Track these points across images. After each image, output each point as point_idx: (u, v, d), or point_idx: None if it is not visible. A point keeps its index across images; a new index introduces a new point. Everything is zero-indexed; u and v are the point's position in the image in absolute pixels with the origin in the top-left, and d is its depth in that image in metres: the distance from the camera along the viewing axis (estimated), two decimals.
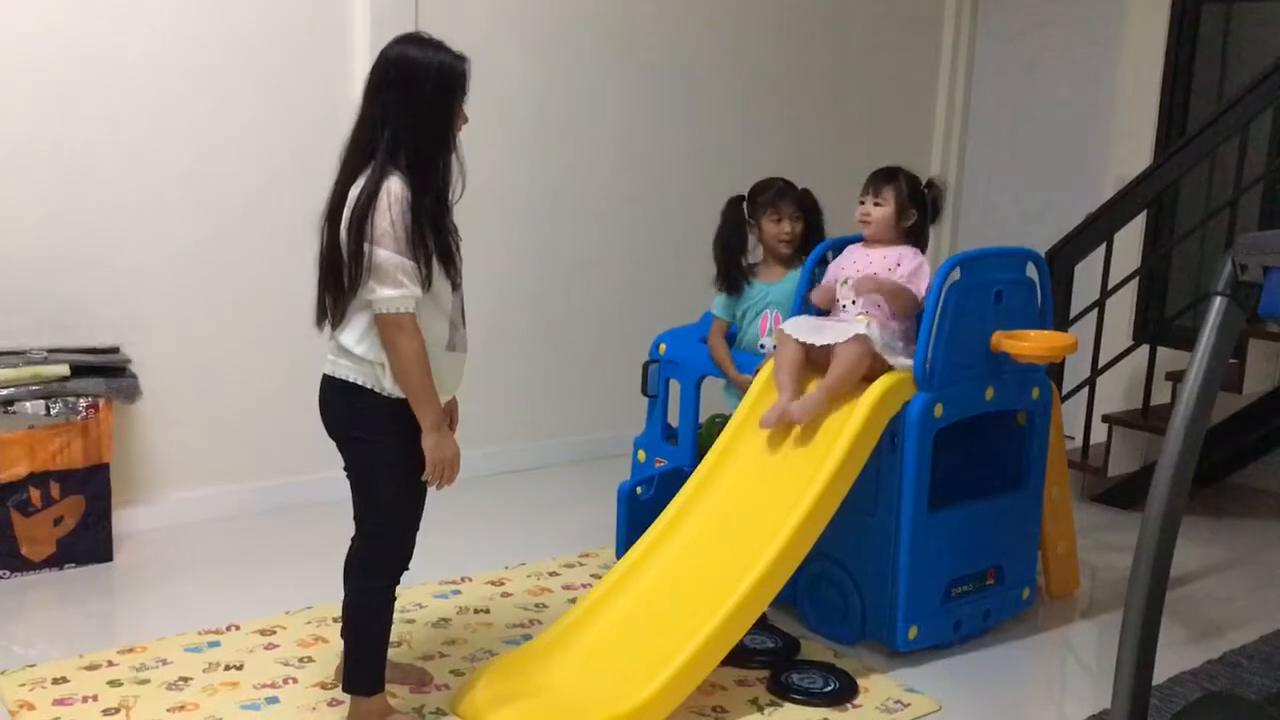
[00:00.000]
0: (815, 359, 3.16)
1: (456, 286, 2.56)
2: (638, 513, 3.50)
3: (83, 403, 3.55)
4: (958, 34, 5.89)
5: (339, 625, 2.66)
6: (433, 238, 2.44)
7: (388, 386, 2.49)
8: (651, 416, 3.83)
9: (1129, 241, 4.85)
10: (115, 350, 3.78)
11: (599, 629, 2.90)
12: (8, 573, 3.50)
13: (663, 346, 3.78)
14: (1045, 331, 3.30)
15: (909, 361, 3.11)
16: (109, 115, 3.73)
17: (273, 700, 2.82)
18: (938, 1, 5.87)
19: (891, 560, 3.11)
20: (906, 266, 3.22)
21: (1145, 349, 4.57)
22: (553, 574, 3.72)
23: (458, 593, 3.53)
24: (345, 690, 2.65)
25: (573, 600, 3.42)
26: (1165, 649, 2.28)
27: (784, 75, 5.37)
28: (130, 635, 3.14)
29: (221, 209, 3.97)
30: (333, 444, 2.61)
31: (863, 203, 3.30)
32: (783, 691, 2.95)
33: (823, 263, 3.43)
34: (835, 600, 3.26)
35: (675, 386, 3.75)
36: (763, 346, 3.50)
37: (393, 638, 2.70)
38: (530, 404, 4.86)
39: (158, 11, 3.77)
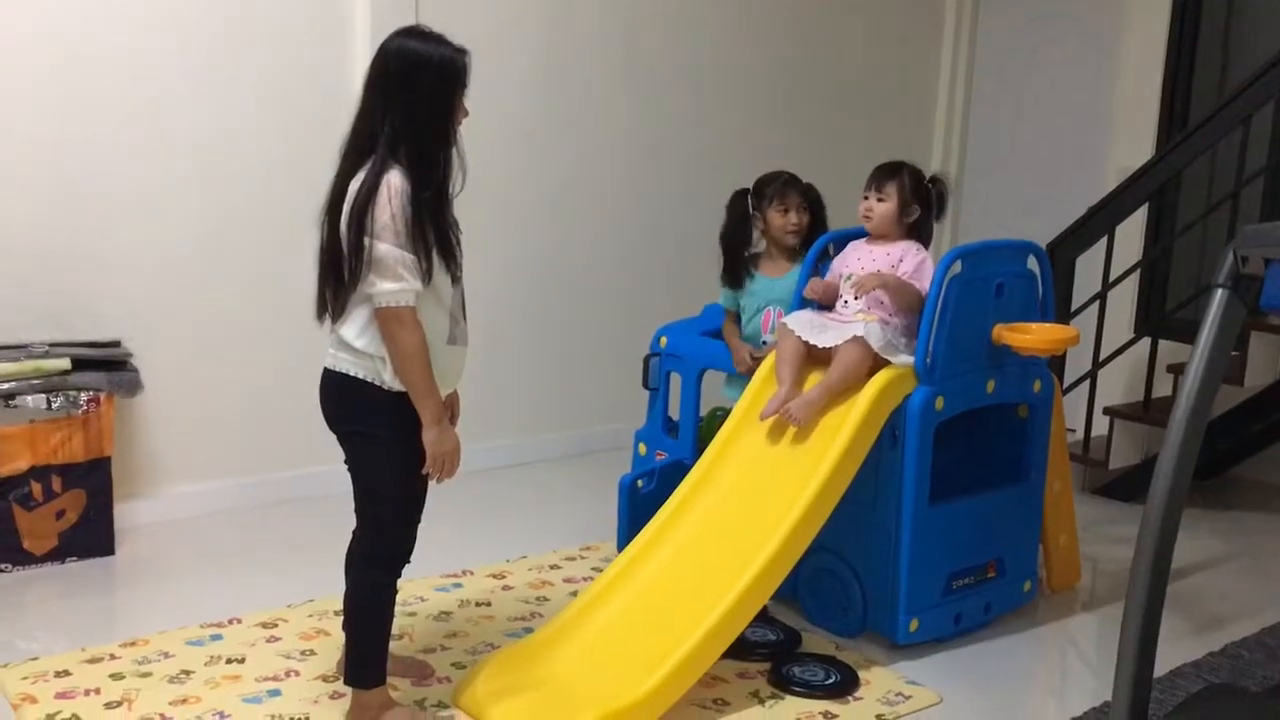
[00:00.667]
0: (816, 354, 3.16)
1: (457, 280, 2.55)
2: (639, 506, 3.51)
3: (84, 397, 3.56)
4: (959, 27, 5.89)
5: (340, 618, 2.66)
6: (433, 231, 2.43)
7: (388, 380, 2.48)
8: (652, 410, 3.83)
9: (1130, 234, 4.85)
10: (116, 344, 3.78)
11: (600, 622, 2.90)
12: (9, 566, 3.51)
13: (664, 339, 3.78)
14: (1046, 324, 3.29)
15: (910, 359, 3.10)
16: (109, 112, 3.73)
17: (275, 693, 2.83)
18: None
19: (892, 553, 3.12)
20: (909, 262, 3.22)
21: (1146, 342, 4.58)
22: (554, 567, 3.72)
23: (459, 586, 3.53)
24: (347, 683, 2.66)
25: (574, 593, 3.43)
26: (1166, 641, 2.27)
27: (784, 71, 5.36)
28: (132, 628, 3.14)
29: (222, 204, 3.98)
30: (334, 437, 2.61)
31: (865, 198, 3.29)
32: (784, 684, 2.95)
33: (823, 256, 3.43)
34: (836, 593, 3.26)
35: (676, 380, 3.75)
36: (764, 343, 3.50)
37: (394, 631, 2.70)
38: (531, 397, 4.86)
39: (158, 10, 3.77)
